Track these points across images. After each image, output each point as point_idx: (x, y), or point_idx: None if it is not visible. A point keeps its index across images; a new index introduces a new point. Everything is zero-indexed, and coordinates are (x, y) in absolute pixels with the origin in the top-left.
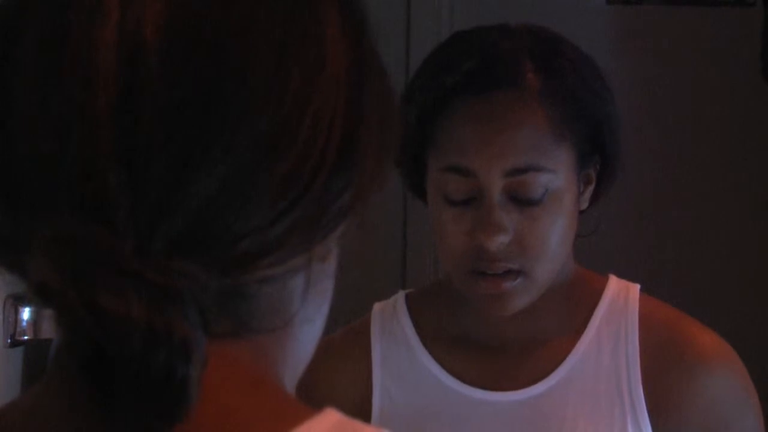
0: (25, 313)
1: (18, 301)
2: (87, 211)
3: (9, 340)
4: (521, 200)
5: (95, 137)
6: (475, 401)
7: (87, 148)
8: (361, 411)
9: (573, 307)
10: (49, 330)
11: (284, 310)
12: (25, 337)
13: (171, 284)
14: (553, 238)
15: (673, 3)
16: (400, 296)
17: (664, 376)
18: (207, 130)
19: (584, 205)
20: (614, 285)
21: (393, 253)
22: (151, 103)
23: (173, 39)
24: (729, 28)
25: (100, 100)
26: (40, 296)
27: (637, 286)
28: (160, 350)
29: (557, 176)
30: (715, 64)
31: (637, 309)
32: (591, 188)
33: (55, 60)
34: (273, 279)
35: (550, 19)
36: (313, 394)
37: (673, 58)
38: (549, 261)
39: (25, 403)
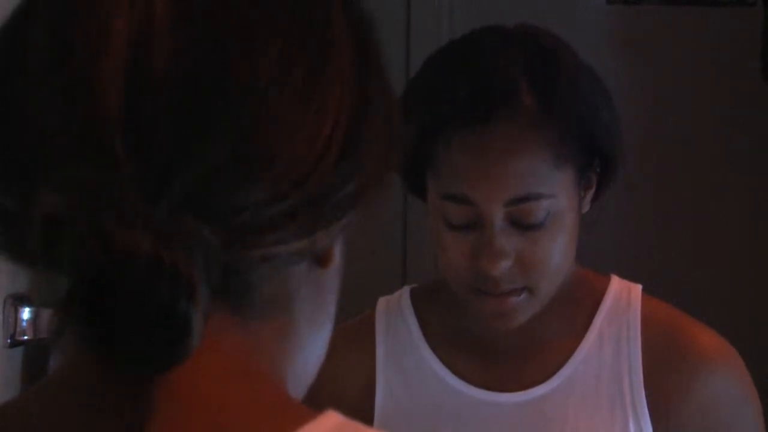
0: (25, 313)
1: (18, 301)
2: (95, 166)
3: (9, 340)
4: (522, 225)
5: (103, 103)
6: (478, 401)
7: (95, 111)
8: (364, 406)
9: (575, 308)
10: (49, 330)
11: (285, 304)
12: (25, 337)
13: (178, 227)
14: (556, 256)
15: (673, 3)
16: (405, 291)
17: (665, 376)
18: (212, 104)
19: (586, 209)
20: (616, 285)
21: (393, 253)
22: (160, 72)
23: (183, 11)
24: (729, 28)
25: (110, 67)
26: (48, 228)
27: (639, 287)
28: (164, 282)
29: (558, 199)
30: (715, 64)
31: (639, 309)
32: (592, 191)
33: (66, 28)
34: (274, 261)
35: (550, 19)
36: (316, 388)
37: (673, 58)
38: (553, 276)
39: (24, 401)
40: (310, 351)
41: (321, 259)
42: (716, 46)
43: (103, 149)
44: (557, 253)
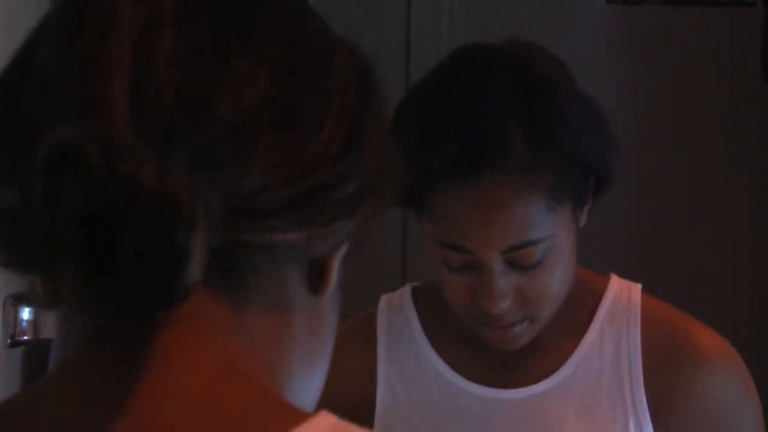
0: (25, 313)
1: (18, 301)
2: (99, 123)
3: (9, 340)
4: (521, 266)
5: (110, 77)
6: (478, 398)
7: (102, 87)
8: (365, 403)
9: (576, 308)
10: (49, 330)
11: (282, 308)
12: (25, 337)
13: (181, 172)
14: (556, 286)
15: (673, 3)
16: (406, 290)
17: (665, 375)
18: (213, 88)
19: (583, 222)
20: (616, 285)
21: (393, 253)
22: (164, 55)
23: (189, 6)
24: (729, 28)
25: (117, 49)
26: (55, 156)
27: (639, 286)
28: (164, 211)
29: (555, 238)
30: (715, 64)
31: (639, 308)
32: (588, 205)
33: (77, 15)
34: (270, 254)
35: (550, 19)
36: None
37: (673, 58)
38: (554, 303)
39: (23, 399)
40: (307, 375)
41: (317, 281)
42: (716, 46)
43: (109, 119)
44: (557, 283)
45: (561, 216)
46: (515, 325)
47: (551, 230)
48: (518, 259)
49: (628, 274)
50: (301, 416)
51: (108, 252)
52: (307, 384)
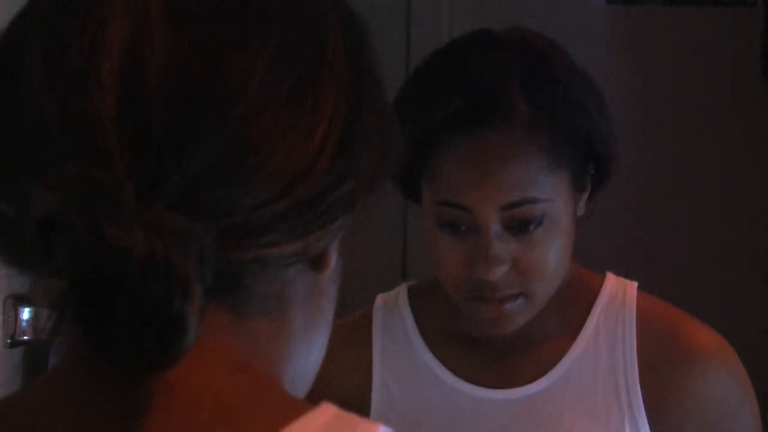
0: (25, 313)
1: (18, 301)
2: (89, 164)
3: (9, 340)
4: (518, 230)
5: (98, 103)
6: (473, 398)
7: (91, 109)
8: (360, 402)
9: (571, 306)
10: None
11: (281, 306)
12: (25, 337)
13: (172, 225)
14: (552, 260)
15: (673, 3)
16: (402, 289)
17: (661, 373)
18: (205, 105)
19: (581, 212)
20: (612, 283)
21: (393, 253)
22: (154, 73)
23: (178, 13)
24: (729, 28)
25: (104, 68)
26: (43, 228)
27: (635, 284)
28: (158, 279)
29: (553, 203)
30: (715, 64)
31: (634, 306)
32: (587, 194)
33: (63, 29)
34: (268, 263)
35: (550, 19)
36: (313, 383)
37: (673, 58)
38: (549, 280)
39: (21, 399)
40: (305, 356)
41: (317, 263)
42: (716, 46)
43: (98, 147)
44: (553, 256)
45: (559, 183)
46: (509, 300)
47: (549, 193)
48: (515, 220)
49: (626, 274)
50: (304, 407)
51: (102, 313)
52: (305, 361)
